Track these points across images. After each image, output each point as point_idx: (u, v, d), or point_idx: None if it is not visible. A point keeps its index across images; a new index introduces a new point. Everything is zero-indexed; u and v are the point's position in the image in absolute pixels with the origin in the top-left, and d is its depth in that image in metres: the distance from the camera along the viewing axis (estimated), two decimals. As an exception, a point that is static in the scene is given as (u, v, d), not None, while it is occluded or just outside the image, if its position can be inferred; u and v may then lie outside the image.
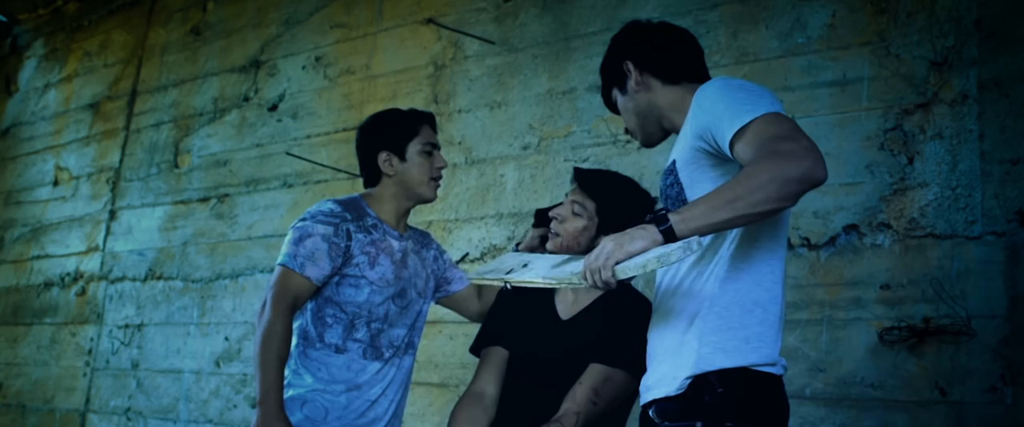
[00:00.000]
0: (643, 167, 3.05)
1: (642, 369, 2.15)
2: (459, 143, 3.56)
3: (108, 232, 4.95)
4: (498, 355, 2.27)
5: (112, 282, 4.80)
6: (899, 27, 2.66)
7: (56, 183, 5.42)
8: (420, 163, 2.38)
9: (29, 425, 5.00)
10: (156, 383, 4.40)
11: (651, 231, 1.49)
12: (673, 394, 1.63)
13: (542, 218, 2.41)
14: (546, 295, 2.31)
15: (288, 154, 4.04)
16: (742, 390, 1.57)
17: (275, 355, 2.13)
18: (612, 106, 1.97)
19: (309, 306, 2.31)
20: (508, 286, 1.84)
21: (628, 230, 1.52)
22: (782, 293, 1.69)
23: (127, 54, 5.29)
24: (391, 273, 2.33)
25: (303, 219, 2.30)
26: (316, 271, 2.23)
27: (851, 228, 2.63)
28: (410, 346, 2.44)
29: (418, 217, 3.61)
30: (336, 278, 2.28)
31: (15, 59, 6.14)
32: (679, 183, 1.73)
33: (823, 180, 1.44)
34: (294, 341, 2.30)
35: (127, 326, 4.62)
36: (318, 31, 4.22)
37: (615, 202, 2.23)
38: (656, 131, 1.90)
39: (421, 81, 3.75)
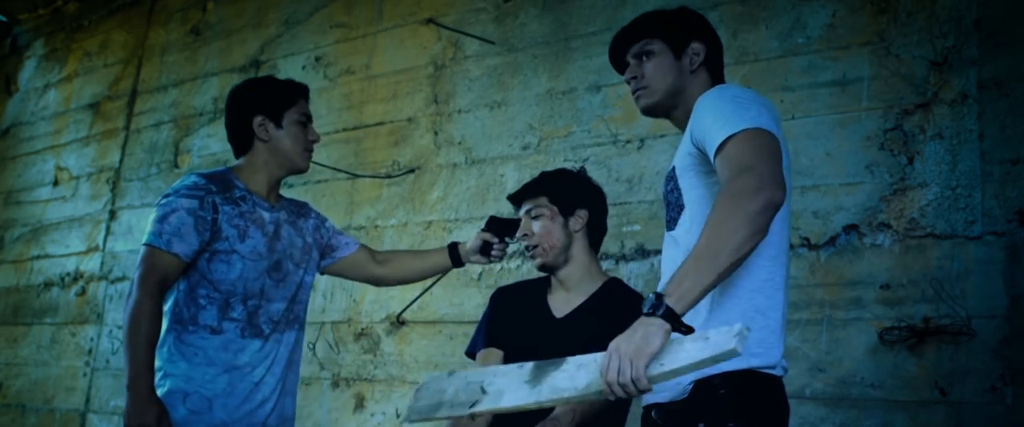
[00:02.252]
0: (643, 167, 3.05)
1: None
2: (459, 143, 3.57)
3: (108, 232, 4.95)
4: (493, 356, 2.28)
5: (112, 282, 4.80)
6: (899, 27, 2.66)
7: (56, 183, 5.42)
8: (295, 132, 2.35)
9: (29, 425, 5.00)
10: (156, 383, 4.40)
11: (657, 324, 1.45)
12: (678, 398, 1.64)
13: (494, 225, 2.41)
14: (540, 295, 2.32)
15: (288, 154, 4.04)
16: (743, 391, 1.58)
17: (144, 337, 2.05)
18: (622, 50, 1.95)
19: (180, 287, 2.22)
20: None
21: (630, 331, 1.47)
22: (784, 299, 1.72)
23: (127, 54, 5.28)
24: (263, 245, 2.26)
25: (166, 195, 2.23)
26: (183, 247, 2.16)
27: (851, 228, 2.63)
28: (295, 320, 2.37)
29: (418, 217, 3.61)
30: (206, 255, 2.20)
31: (15, 59, 6.14)
32: (678, 189, 1.76)
33: (782, 202, 1.52)
34: (166, 326, 2.21)
35: (127, 326, 4.62)
36: (318, 31, 4.22)
37: (558, 186, 2.33)
38: (667, 107, 1.91)
39: (421, 81, 3.75)
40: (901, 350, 2.50)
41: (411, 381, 3.50)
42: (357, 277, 2.59)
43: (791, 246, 2.72)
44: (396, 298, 3.61)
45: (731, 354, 1.38)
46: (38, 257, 5.34)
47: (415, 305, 3.53)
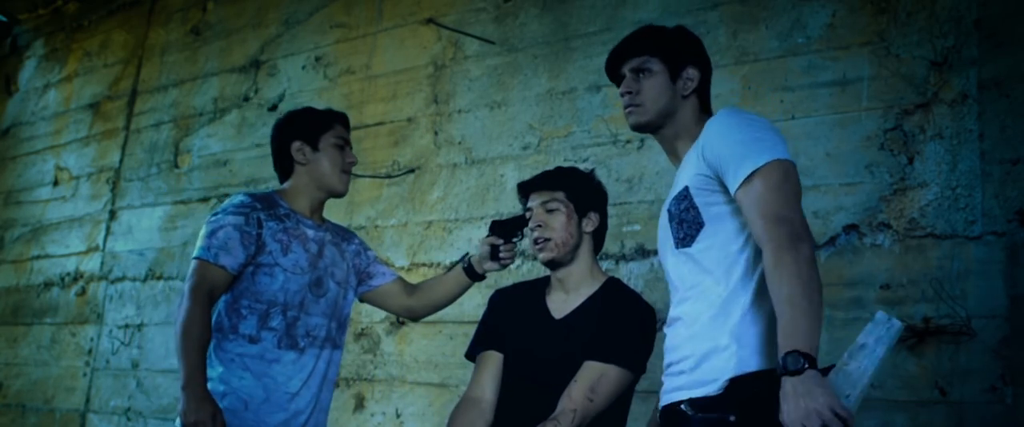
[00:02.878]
0: (643, 167, 3.05)
1: (638, 364, 2.17)
2: (459, 143, 3.56)
3: (108, 232, 4.95)
4: (493, 359, 2.28)
5: (112, 282, 4.80)
6: (899, 27, 2.66)
7: (56, 183, 5.42)
8: (332, 155, 2.46)
9: (29, 425, 5.00)
10: (156, 383, 4.40)
11: (811, 375, 1.56)
12: (713, 394, 1.73)
13: (498, 228, 2.43)
14: (539, 297, 2.33)
15: (288, 154, 4.03)
16: (773, 387, 1.63)
17: (196, 341, 2.15)
18: (619, 61, 2.01)
19: (225, 299, 2.32)
20: None
21: (793, 400, 1.54)
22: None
23: (127, 54, 5.29)
24: (305, 260, 2.36)
25: (215, 213, 2.35)
26: (230, 260, 2.27)
27: (851, 228, 2.63)
28: (331, 340, 2.44)
29: (418, 217, 3.61)
30: (251, 269, 2.31)
31: (15, 59, 6.14)
32: (695, 207, 1.82)
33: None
34: None
35: (127, 326, 4.62)
36: (318, 31, 4.22)
37: (577, 185, 2.32)
38: (656, 126, 1.99)
39: (421, 81, 3.75)
40: (901, 350, 2.50)
41: (411, 381, 3.50)
42: (392, 308, 2.66)
43: (791, 246, 2.73)
44: (396, 298, 3.61)
45: (899, 330, 1.59)
46: (38, 257, 5.34)
47: (415, 305, 3.53)
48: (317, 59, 4.18)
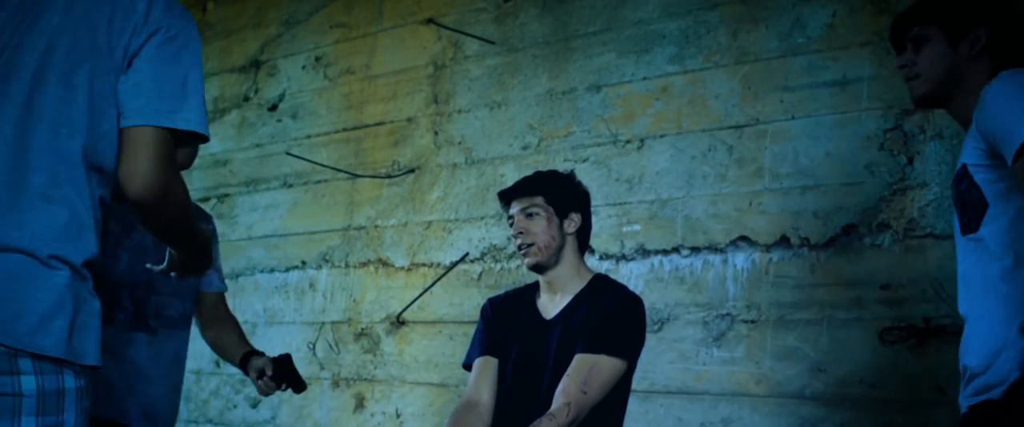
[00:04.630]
0: (643, 167, 3.05)
1: (628, 352, 2.18)
2: (459, 143, 3.57)
3: (108, 232, 4.95)
4: (489, 364, 2.30)
5: (112, 282, 4.80)
6: (899, 27, 2.66)
7: (56, 183, 5.42)
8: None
9: (29, 425, 5.00)
10: (156, 383, 4.40)
11: None
12: (995, 399, 1.58)
13: (282, 365, 2.46)
14: (529, 301, 2.35)
15: (288, 154, 4.04)
16: None
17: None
18: (901, 34, 1.82)
19: None
20: None
21: None
22: None
23: (127, 54, 5.28)
24: (151, 238, 2.22)
25: None
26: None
27: (851, 228, 2.63)
28: (186, 320, 2.42)
29: (418, 217, 3.61)
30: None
31: (15, 59, 6.14)
32: (976, 186, 1.66)
33: None
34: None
35: (127, 326, 4.62)
36: (318, 31, 4.22)
37: (555, 187, 2.34)
38: (941, 99, 1.80)
39: (421, 81, 3.75)
40: (901, 350, 2.50)
41: (411, 381, 3.50)
42: (198, 317, 2.62)
43: (791, 246, 2.73)
44: (396, 298, 3.61)
45: None
46: (38, 257, 5.34)
47: (415, 305, 3.53)
48: (317, 59, 4.18)
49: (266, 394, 2.49)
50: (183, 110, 1.47)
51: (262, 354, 2.53)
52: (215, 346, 2.69)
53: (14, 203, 1.38)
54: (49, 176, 1.41)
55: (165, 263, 1.82)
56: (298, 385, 2.47)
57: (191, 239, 1.70)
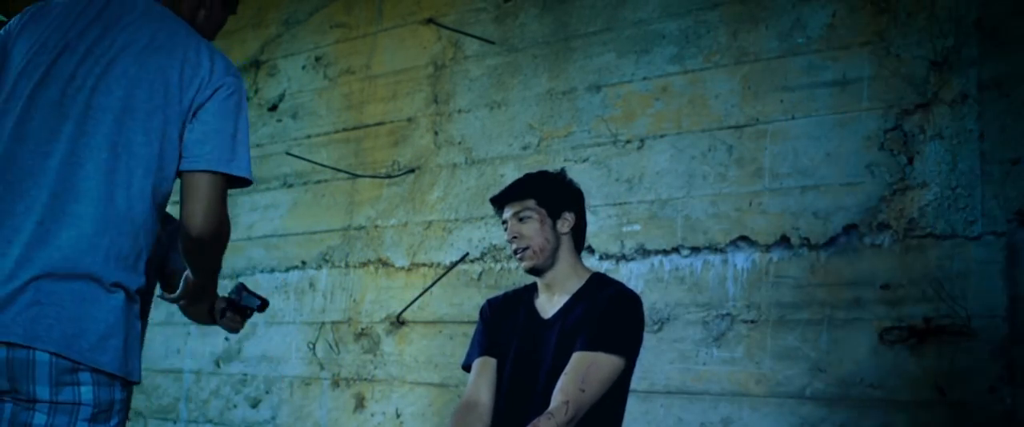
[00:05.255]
0: (643, 167, 3.05)
1: (626, 349, 2.18)
2: (459, 143, 3.57)
3: (108, 232, 4.95)
4: (489, 364, 2.31)
5: (112, 282, 4.80)
6: (899, 27, 2.66)
7: (56, 183, 5.42)
8: None
9: (29, 425, 5.00)
10: (156, 383, 4.40)
11: None
12: None
13: (237, 301, 2.24)
14: (527, 301, 2.35)
15: (288, 154, 4.04)
16: None
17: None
18: None
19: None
20: None
21: None
22: None
23: (127, 54, 5.28)
24: None
25: None
26: None
27: (851, 228, 2.64)
28: None
29: (418, 217, 3.61)
30: None
31: (15, 59, 6.14)
32: None
33: None
34: None
35: (127, 326, 4.62)
36: (318, 31, 4.22)
37: (545, 188, 2.33)
38: None
39: (421, 81, 3.75)
40: (901, 350, 2.50)
41: (411, 381, 3.50)
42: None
43: (791, 246, 2.73)
44: (396, 298, 3.61)
45: None
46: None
47: (415, 305, 3.53)
48: (317, 59, 4.18)
49: (235, 331, 2.29)
50: (236, 159, 1.69)
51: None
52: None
53: (97, 233, 1.58)
54: (126, 211, 1.61)
55: (179, 290, 1.95)
56: (261, 306, 2.32)
57: (216, 274, 1.89)
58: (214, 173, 1.66)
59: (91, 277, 1.56)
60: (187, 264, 1.80)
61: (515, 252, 2.29)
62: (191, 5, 1.86)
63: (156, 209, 1.67)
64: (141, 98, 1.64)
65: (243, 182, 1.71)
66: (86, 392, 1.55)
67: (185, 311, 2.08)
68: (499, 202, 2.36)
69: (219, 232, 1.69)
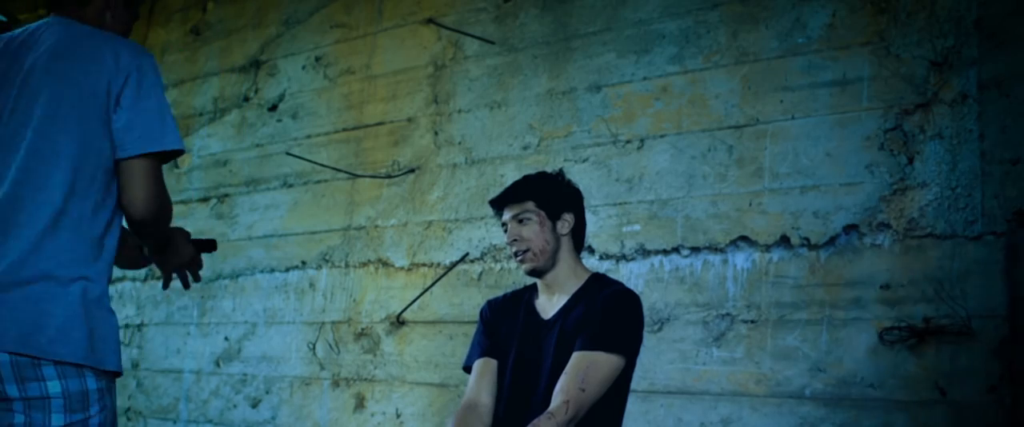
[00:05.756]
0: (643, 167, 3.05)
1: (626, 348, 2.18)
2: (459, 143, 3.57)
3: (108, 232, 4.95)
4: (489, 365, 2.31)
5: (112, 282, 4.80)
6: (899, 27, 2.66)
7: (56, 183, 5.42)
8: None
9: (29, 425, 5.00)
10: (156, 383, 4.40)
11: None
12: None
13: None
14: (528, 302, 2.35)
15: (288, 154, 4.04)
16: None
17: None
18: None
19: None
20: None
21: None
22: None
23: (127, 54, 5.28)
24: None
25: None
26: None
27: (851, 228, 2.64)
28: None
29: (418, 217, 3.61)
30: None
31: (15, 59, 6.14)
32: None
33: None
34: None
35: (127, 326, 4.62)
36: (318, 31, 4.22)
37: (544, 190, 2.33)
38: None
39: (421, 81, 3.75)
40: (901, 350, 2.50)
41: (411, 381, 3.50)
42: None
43: (790, 246, 2.73)
44: (396, 298, 3.61)
45: None
46: (38, 257, 5.34)
47: (415, 305, 3.53)
48: (317, 59, 4.18)
49: (188, 286, 2.20)
50: (165, 135, 1.78)
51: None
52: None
53: (42, 236, 1.70)
54: (66, 210, 1.72)
55: (163, 280, 2.07)
56: (209, 248, 2.27)
57: (170, 240, 1.97)
58: (146, 156, 1.75)
59: (44, 277, 1.68)
60: (128, 246, 1.91)
61: (515, 255, 2.29)
62: (96, 11, 1.95)
63: (98, 202, 1.76)
64: (53, 106, 1.75)
65: (176, 154, 1.80)
66: (53, 386, 1.65)
67: (160, 264, 2.08)
68: (498, 205, 2.36)
69: (161, 212, 1.79)
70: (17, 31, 1.93)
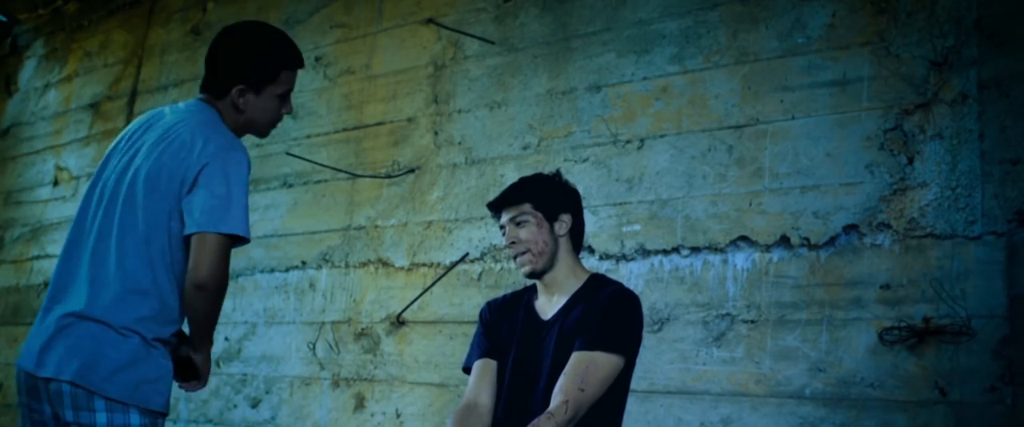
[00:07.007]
0: (643, 167, 3.05)
1: (625, 348, 2.18)
2: (459, 143, 3.57)
3: (108, 232, 4.95)
4: (489, 366, 2.31)
5: (112, 282, 4.80)
6: (899, 27, 2.66)
7: (56, 183, 5.42)
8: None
9: (29, 425, 5.00)
10: (156, 383, 4.40)
11: None
12: None
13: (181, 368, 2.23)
14: (527, 303, 2.35)
15: (288, 154, 4.04)
16: None
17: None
18: None
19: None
20: None
21: None
22: None
23: (127, 54, 5.29)
24: None
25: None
26: None
27: (851, 228, 2.64)
28: None
29: (418, 217, 3.61)
30: None
31: (15, 59, 6.14)
32: None
33: None
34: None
35: (127, 326, 4.62)
36: (318, 31, 4.23)
37: (541, 192, 2.33)
38: None
39: (421, 81, 3.75)
40: (901, 350, 2.50)
41: (411, 381, 3.50)
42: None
43: (790, 246, 2.73)
44: (396, 298, 3.61)
45: None
46: (38, 257, 5.34)
47: (415, 305, 3.53)
48: (317, 59, 4.18)
49: (188, 386, 2.29)
50: (228, 219, 2.01)
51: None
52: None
53: (112, 292, 2.00)
54: (133, 274, 2.01)
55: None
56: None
57: (213, 327, 2.15)
58: (206, 234, 1.99)
59: (104, 323, 1.97)
60: (187, 311, 2.08)
61: (514, 257, 2.29)
62: (229, 98, 2.23)
63: (162, 275, 2.03)
64: (142, 186, 2.05)
65: (240, 240, 2.04)
66: (100, 417, 1.93)
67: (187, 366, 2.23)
68: (495, 207, 2.36)
69: (214, 281, 2.01)
70: (167, 107, 2.28)
